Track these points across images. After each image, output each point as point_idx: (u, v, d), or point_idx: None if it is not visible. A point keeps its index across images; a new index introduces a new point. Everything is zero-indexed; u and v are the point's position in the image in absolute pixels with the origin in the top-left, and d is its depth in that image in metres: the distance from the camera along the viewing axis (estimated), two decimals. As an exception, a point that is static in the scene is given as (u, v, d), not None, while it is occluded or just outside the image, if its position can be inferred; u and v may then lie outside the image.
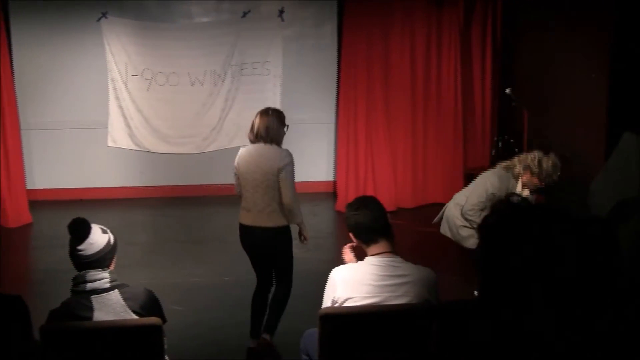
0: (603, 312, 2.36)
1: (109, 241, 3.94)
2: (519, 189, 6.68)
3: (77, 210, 9.14)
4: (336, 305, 4.06)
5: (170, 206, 10.24)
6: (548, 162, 6.63)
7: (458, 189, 10.00)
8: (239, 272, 7.51)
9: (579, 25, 8.06)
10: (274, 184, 5.63)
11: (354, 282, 4.02)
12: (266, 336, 5.84)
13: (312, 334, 4.50)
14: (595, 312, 2.36)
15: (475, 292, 6.79)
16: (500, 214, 2.33)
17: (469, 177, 9.87)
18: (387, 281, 4.01)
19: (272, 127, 5.68)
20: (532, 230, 2.23)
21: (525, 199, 5.86)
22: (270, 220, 5.70)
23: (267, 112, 5.76)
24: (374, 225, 4.12)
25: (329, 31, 10.53)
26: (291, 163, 5.69)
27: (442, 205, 9.88)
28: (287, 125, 5.85)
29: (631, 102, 7.25)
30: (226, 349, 6.06)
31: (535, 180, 6.63)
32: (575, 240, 2.30)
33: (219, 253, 8.20)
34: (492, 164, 10.02)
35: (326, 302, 4.15)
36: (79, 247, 3.83)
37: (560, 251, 2.21)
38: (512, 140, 9.51)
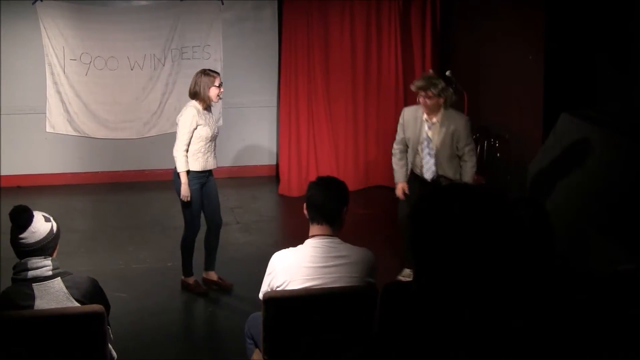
0: (533, 295, 2.41)
1: (51, 229, 3.88)
2: (425, 117, 6.72)
3: (14, 197, 9.01)
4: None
5: (111, 192, 10.14)
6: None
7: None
8: (180, 258, 7.49)
9: (514, 7, 8.17)
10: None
11: (294, 266, 4.04)
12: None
13: (256, 317, 4.52)
14: (527, 295, 2.41)
15: (399, 277, 6.97)
16: (429, 199, 2.34)
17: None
18: (327, 262, 4.04)
19: (191, 85, 6.54)
20: (462, 213, 2.25)
21: (454, 182, 5.99)
22: None
23: (196, 73, 6.59)
24: (323, 208, 4.12)
25: (269, 14, 10.50)
26: (183, 120, 6.44)
27: (384, 187, 10.01)
28: (218, 86, 6.51)
29: (567, 83, 7.38)
30: (168, 333, 6.06)
31: (421, 100, 6.65)
32: (508, 222, 2.33)
33: (161, 239, 8.16)
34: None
35: (264, 287, 4.17)
36: (21, 236, 3.77)
37: (491, 234, 2.24)
38: (452, 122, 9.61)
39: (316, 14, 9.82)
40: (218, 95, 6.52)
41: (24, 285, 3.74)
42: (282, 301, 4.02)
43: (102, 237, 8.33)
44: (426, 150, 6.67)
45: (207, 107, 6.57)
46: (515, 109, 8.23)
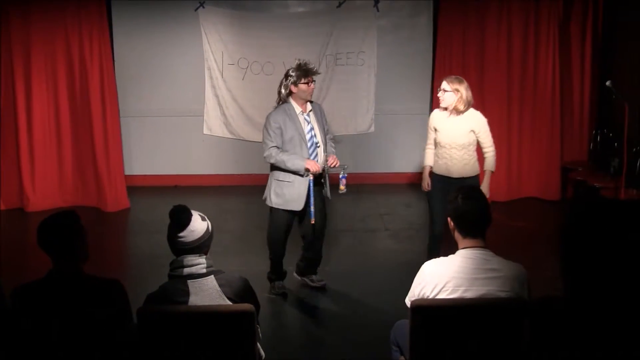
0: None
1: (207, 228, 3.98)
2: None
3: (172, 196, 9.34)
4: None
5: (261, 195, 10.32)
6: None
7: (554, 183, 9.87)
8: (329, 262, 7.53)
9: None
10: None
11: (445, 276, 3.99)
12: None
13: (402, 324, 4.50)
14: None
15: None
16: (582, 216, 2.27)
17: (565, 171, 9.68)
18: (478, 274, 3.96)
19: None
20: (616, 228, 2.18)
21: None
22: None
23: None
24: (479, 221, 4.05)
25: (425, 22, 10.47)
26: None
27: (536, 199, 9.76)
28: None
29: None
30: (313, 336, 6.11)
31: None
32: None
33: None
34: (590, 159, 9.83)
35: (413, 293, 4.13)
36: (180, 234, 3.88)
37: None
38: (611, 134, 9.29)
39: (473, 23, 9.71)
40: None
41: (179, 281, 3.85)
42: (430, 310, 3.98)
43: (251, 239, 8.49)
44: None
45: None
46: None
